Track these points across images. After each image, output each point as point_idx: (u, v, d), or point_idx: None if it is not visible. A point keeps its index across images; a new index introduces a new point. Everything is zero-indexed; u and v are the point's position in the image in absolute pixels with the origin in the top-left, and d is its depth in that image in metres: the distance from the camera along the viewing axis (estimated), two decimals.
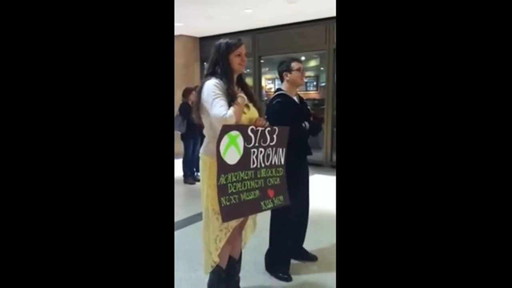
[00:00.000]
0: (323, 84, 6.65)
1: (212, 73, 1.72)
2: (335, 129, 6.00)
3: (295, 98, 2.29)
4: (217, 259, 1.76)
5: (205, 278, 1.90)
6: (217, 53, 1.72)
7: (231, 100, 1.63)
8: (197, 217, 3.00)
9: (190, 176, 4.88)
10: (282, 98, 2.22)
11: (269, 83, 8.60)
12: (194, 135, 4.56)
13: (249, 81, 6.84)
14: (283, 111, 2.14)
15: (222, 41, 1.74)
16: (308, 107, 2.45)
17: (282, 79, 2.30)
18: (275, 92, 2.33)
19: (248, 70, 6.81)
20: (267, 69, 7.45)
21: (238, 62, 1.72)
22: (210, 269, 1.79)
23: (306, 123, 2.23)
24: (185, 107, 4.52)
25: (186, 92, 4.73)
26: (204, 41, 7.27)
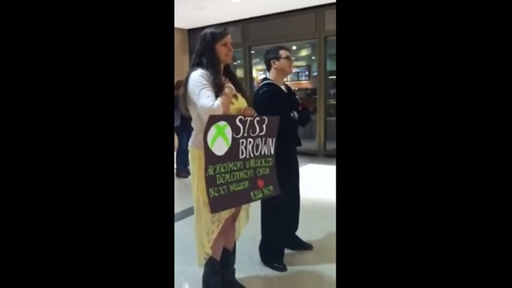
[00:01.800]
0: (315, 73, 6.62)
1: (198, 64, 1.69)
2: (328, 118, 6.00)
3: (282, 87, 2.26)
4: (209, 251, 1.75)
5: (201, 271, 1.90)
6: (203, 43, 1.69)
7: (218, 90, 1.60)
8: (191, 211, 3.00)
9: (183, 169, 4.87)
10: (268, 87, 2.19)
11: (260, 74, 8.55)
12: (187, 128, 4.54)
13: (240, 72, 6.80)
14: (270, 100, 2.11)
15: (208, 31, 1.70)
16: (297, 97, 2.41)
17: (269, 68, 2.26)
18: (262, 81, 2.30)
19: (238, 61, 6.76)
20: (258, 60, 7.39)
21: (225, 52, 1.69)
22: (203, 262, 1.79)
23: (295, 112, 2.20)
24: (177, 100, 4.48)
25: (178, 85, 4.69)
26: (193, 33, 7.19)
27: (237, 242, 2.00)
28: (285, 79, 2.34)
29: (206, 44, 1.68)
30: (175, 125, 4.63)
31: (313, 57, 7.05)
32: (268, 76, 2.28)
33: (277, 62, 2.20)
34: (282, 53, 2.20)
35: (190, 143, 1.76)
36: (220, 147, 1.56)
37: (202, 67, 1.65)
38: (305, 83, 8.14)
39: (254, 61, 7.08)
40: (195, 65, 1.70)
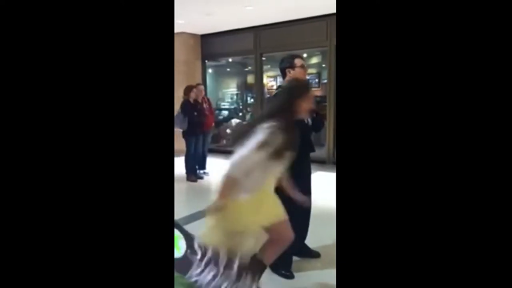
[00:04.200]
0: (325, 81, 6.63)
1: None
2: None
3: None
4: None
5: None
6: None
7: None
8: (198, 215, 3.00)
9: (192, 173, 4.89)
10: None
11: (271, 81, 8.58)
12: (195, 132, 4.58)
13: (250, 78, 6.83)
14: None
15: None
16: None
17: (284, 76, 2.29)
18: (276, 89, 2.32)
19: (249, 68, 6.80)
20: (269, 66, 7.42)
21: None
22: None
23: (309, 119, 2.22)
24: (186, 105, 4.53)
25: (187, 90, 4.74)
26: (205, 39, 7.25)
27: None
28: None
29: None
30: (183, 130, 4.67)
31: (324, 65, 7.05)
32: (283, 84, 2.30)
33: (292, 71, 2.24)
34: (297, 62, 2.25)
35: None
36: None
37: None
38: (315, 91, 8.14)
39: (265, 67, 7.11)
40: None
